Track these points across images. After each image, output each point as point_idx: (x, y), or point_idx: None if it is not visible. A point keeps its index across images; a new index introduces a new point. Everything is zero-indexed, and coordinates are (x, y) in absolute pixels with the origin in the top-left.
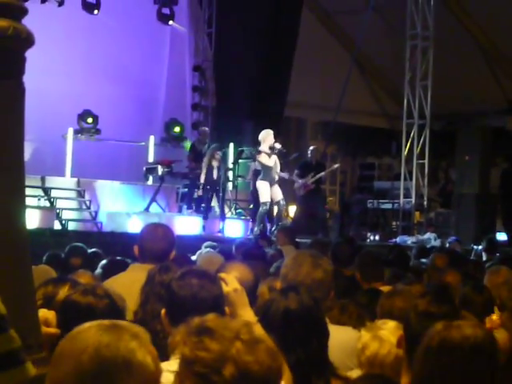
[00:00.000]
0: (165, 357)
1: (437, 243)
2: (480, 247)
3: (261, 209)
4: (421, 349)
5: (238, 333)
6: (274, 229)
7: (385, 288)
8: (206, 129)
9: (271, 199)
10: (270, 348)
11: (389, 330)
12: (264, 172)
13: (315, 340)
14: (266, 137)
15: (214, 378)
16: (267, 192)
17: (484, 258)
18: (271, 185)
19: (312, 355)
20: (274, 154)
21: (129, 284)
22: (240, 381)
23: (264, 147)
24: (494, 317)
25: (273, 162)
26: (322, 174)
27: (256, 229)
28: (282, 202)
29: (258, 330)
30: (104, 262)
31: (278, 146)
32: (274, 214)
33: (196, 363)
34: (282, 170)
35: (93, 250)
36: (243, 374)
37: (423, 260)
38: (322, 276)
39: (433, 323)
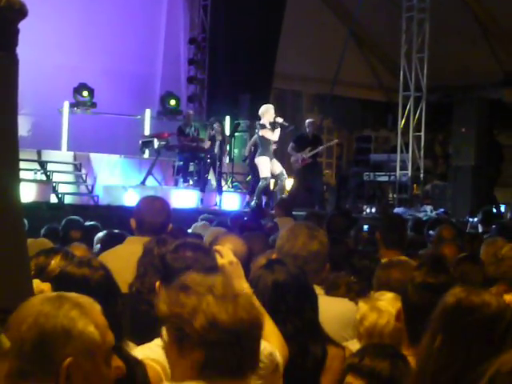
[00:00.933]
0: (159, 326)
1: (433, 216)
2: (476, 219)
3: (260, 183)
4: (437, 309)
5: (211, 288)
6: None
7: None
8: (191, 112)
9: (271, 173)
10: (246, 302)
11: (387, 301)
12: (263, 146)
13: (308, 307)
14: (266, 111)
15: (187, 329)
16: (267, 167)
17: (480, 230)
18: (271, 159)
19: (307, 322)
20: (276, 128)
21: (126, 257)
22: (210, 331)
23: (264, 121)
24: None
25: (276, 136)
26: (320, 148)
27: (253, 202)
28: (284, 175)
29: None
30: (101, 234)
31: (279, 120)
32: (274, 187)
33: (172, 318)
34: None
35: (91, 223)
36: (212, 324)
37: (431, 232)
38: (318, 247)
39: (431, 294)
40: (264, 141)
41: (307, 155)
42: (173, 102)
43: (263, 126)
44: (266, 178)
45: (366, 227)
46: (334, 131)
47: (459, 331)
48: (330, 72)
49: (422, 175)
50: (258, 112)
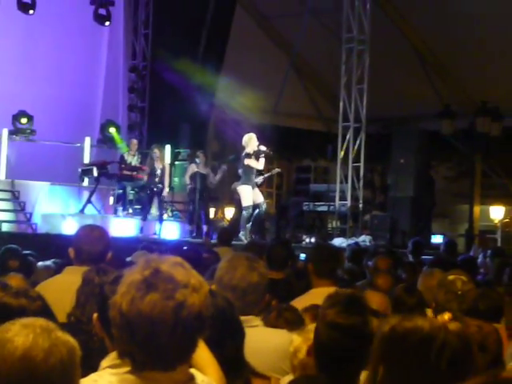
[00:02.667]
0: (99, 358)
1: (371, 246)
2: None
3: (244, 213)
4: (375, 341)
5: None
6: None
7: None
8: (135, 140)
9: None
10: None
11: None
12: (246, 175)
13: (230, 341)
14: (249, 141)
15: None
16: (250, 196)
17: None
18: (253, 188)
19: (229, 357)
20: (260, 156)
21: (65, 287)
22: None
23: (249, 151)
24: (446, 316)
25: (261, 164)
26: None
27: (241, 234)
28: (264, 205)
29: None
30: (49, 263)
31: (263, 148)
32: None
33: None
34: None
35: (28, 252)
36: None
37: (369, 262)
38: (258, 279)
39: (339, 334)
40: (248, 170)
41: None
42: (112, 130)
43: (248, 155)
44: (248, 207)
45: (302, 256)
46: (274, 161)
47: (397, 358)
48: (271, 102)
49: (360, 206)
50: (197, 141)
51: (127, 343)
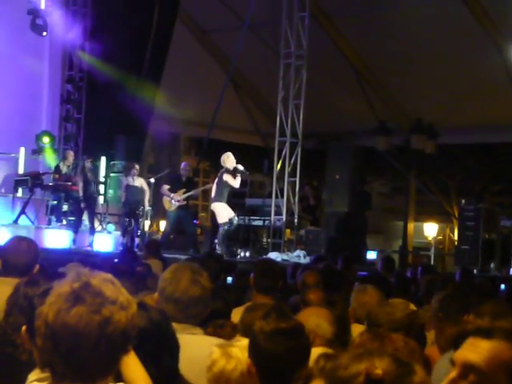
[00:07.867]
0: (27, 371)
1: (306, 261)
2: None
3: (220, 229)
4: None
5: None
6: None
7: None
8: (72, 152)
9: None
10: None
11: (239, 348)
12: (222, 192)
13: (166, 355)
14: (227, 159)
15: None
16: (225, 213)
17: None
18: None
19: (165, 371)
20: (237, 174)
21: None
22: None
23: (229, 167)
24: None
25: (238, 183)
26: (193, 192)
27: (219, 248)
28: (235, 219)
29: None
30: None
31: (240, 167)
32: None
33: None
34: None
35: None
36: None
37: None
38: (200, 293)
39: (285, 339)
40: (223, 186)
41: (181, 197)
42: (46, 141)
43: (228, 171)
44: (225, 224)
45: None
46: (210, 174)
47: None
48: (209, 116)
49: (295, 220)
50: (133, 153)
51: (49, 354)
